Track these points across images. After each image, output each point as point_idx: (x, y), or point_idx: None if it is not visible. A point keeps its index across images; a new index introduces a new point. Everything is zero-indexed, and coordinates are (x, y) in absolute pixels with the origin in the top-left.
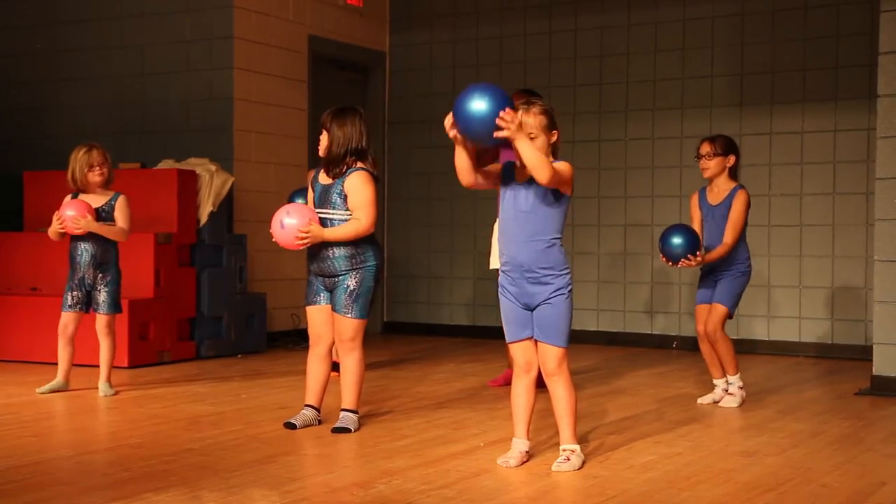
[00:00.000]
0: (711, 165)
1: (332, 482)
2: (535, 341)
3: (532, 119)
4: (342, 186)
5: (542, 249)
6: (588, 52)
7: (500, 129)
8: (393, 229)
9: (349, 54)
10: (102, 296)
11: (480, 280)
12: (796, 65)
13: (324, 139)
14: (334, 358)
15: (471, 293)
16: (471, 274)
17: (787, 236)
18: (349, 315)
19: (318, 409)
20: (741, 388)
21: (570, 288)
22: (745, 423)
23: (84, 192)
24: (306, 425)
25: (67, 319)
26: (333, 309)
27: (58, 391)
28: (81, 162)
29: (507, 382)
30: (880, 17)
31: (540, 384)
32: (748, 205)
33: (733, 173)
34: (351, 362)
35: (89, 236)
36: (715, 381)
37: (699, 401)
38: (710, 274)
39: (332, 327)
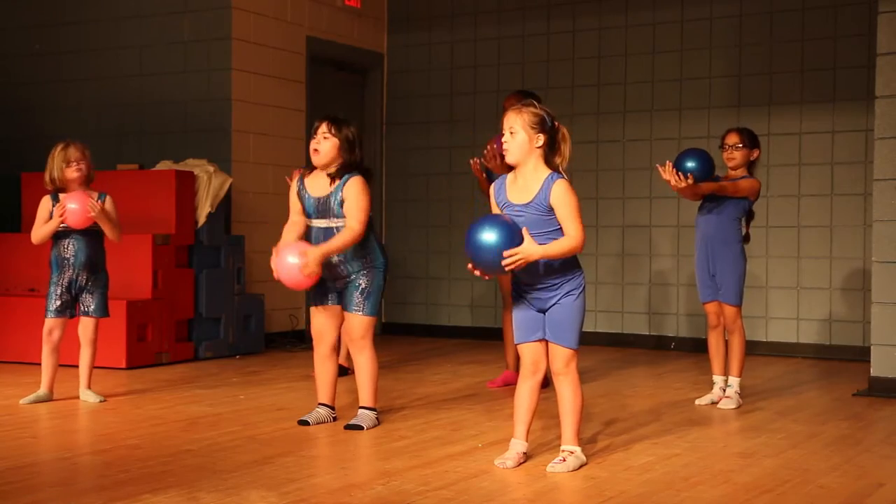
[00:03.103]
0: (737, 156)
1: (330, 483)
2: (546, 344)
3: (518, 117)
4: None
5: (548, 262)
6: (586, 54)
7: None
8: (391, 230)
9: (347, 55)
10: (96, 298)
11: (479, 281)
12: (794, 66)
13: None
14: (340, 361)
15: (469, 294)
16: (469, 275)
17: (784, 237)
18: (360, 313)
19: (332, 407)
20: (738, 393)
21: (581, 289)
22: (743, 425)
23: (64, 191)
24: (319, 422)
25: (53, 325)
26: (344, 308)
27: (43, 402)
28: (59, 159)
29: (506, 383)
30: (878, 19)
31: (543, 384)
32: (755, 193)
33: (751, 168)
34: (364, 360)
35: (84, 235)
36: (714, 378)
37: (697, 402)
38: (702, 264)
39: (334, 327)
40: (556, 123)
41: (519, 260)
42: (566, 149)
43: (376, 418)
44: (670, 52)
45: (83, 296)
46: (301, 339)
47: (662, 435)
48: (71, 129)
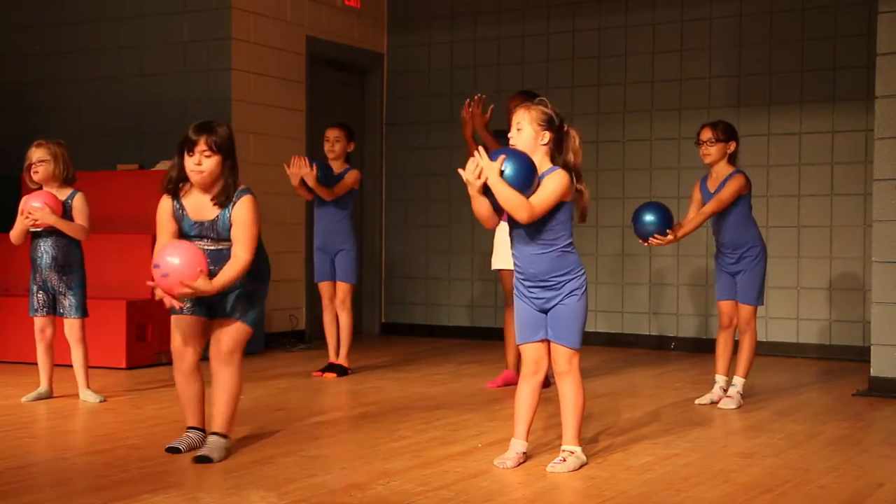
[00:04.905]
0: (712, 152)
1: (330, 483)
2: (548, 344)
3: (526, 113)
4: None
5: (554, 258)
6: (586, 54)
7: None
8: (391, 230)
9: (347, 55)
10: (69, 300)
11: (479, 281)
12: (794, 66)
13: None
14: (339, 361)
15: (469, 294)
16: (469, 275)
17: (784, 237)
18: (241, 320)
19: (202, 430)
20: (741, 394)
21: (584, 289)
22: (743, 425)
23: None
24: (192, 449)
25: (43, 323)
26: (223, 314)
27: (44, 398)
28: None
29: (506, 383)
30: (878, 19)
31: (544, 384)
32: (742, 189)
33: (733, 159)
34: (229, 377)
35: (49, 236)
36: (717, 377)
37: (697, 402)
38: (725, 266)
39: (198, 342)
40: (566, 125)
41: (477, 170)
42: (576, 148)
43: (227, 448)
44: (670, 52)
45: (59, 297)
46: (301, 339)
47: (662, 435)
48: (71, 129)
